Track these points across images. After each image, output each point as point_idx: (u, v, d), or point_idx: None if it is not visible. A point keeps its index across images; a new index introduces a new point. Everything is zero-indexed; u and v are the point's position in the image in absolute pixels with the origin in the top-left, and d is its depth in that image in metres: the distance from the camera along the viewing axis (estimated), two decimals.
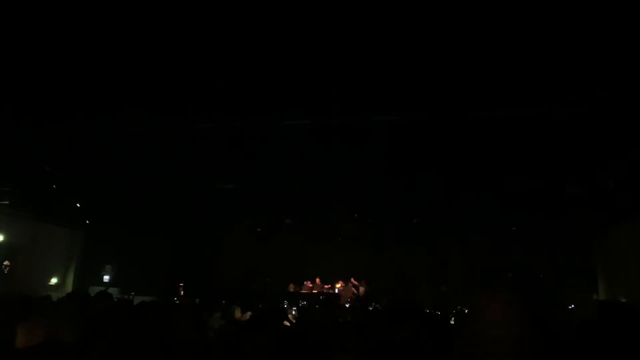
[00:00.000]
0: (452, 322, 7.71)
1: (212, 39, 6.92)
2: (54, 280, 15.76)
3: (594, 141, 9.02)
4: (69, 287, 16.24)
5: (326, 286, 15.31)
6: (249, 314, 6.83)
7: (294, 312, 10.18)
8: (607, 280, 13.83)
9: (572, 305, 10.57)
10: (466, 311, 10.39)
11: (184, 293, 14.96)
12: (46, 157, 11.32)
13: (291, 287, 15.05)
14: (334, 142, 9.74)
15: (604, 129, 8.49)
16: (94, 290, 14.25)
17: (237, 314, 6.49)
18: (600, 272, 14.20)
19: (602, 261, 14.07)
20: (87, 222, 16.17)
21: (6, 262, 13.50)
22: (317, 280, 15.34)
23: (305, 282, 15.47)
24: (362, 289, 14.86)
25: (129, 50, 7.17)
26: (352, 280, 15.55)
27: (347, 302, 13.74)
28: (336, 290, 15.45)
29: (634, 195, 10.81)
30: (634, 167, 9.74)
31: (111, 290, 13.44)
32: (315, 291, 14.59)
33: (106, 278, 16.38)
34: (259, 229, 16.16)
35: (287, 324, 7.00)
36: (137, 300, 8.47)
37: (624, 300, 12.58)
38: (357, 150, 10.18)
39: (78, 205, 14.80)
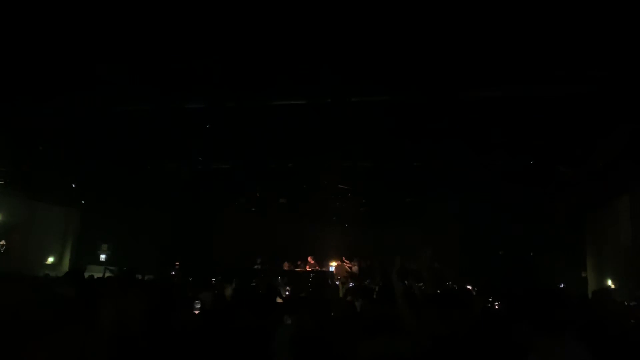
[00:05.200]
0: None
1: (204, 18, 6.92)
2: (50, 259, 15.90)
3: (585, 120, 9.09)
4: (65, 265, 16.39)
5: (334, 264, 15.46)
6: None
7: (287, 292, 10.35)
8: (596, 258, 14.05)
9: (563, 285, 10.75)
10: (456, 287, 10.59)
11: (180, 271, 15.10)
12: (41, 136, 11.34)
13: (285, 266, 15.23)
14: (328, 121, 9.78)
15: (596, 109, 8.56)
16: (91, 269, 14.44)
17: (228, 292, 6.61)
18: (589, 250, 14.42)
19: (592, 239, 14.27)
20: (83, 201, 16.26)
21: (2, 242, 13.61)
22: (310, 258, 15.52)
23: (298, 262, 15.66)
24: (355, 268, 15.07)
25: (122, 27, 7.17)
26: (344, 259, 15.75)
27: (340, 279, 13.92)
28: (331, 269, 15.64)
29: (624, 174, 10.93)
30: (624, 147, 9.83)
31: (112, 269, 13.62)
32: (309, 269, 14.77)
33: (103, 257, 16.53)
34: (253, 209, 16.27)
35: (280, 300, 7.16)
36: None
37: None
38: (351, 129, 10.23)
39: (73, 184, 14.87)
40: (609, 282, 13.02)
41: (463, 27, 6.55)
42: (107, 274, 10.80)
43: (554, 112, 8.73)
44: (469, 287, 12.06)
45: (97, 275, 10.34)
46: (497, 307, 4.74)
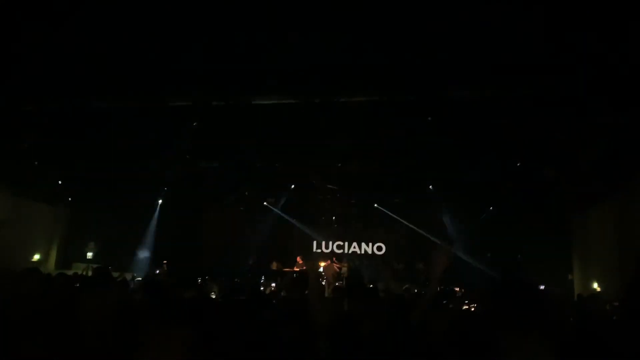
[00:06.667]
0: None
1: (192, 17, 6.89)
2: (36, 257, 15.74)
3: (571, 124, 9.15)
4: (51, 263, 16.24)
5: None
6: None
7: (272, 289, 10.31)
8: (582, 260, 14.13)
9: (542, 286, 10.74)
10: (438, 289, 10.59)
11: (167, 270, 14.98)
12: (27, 133, 11.24)
13: (274, 265, 15.18)
14: (316, 121, 9.78)
15: (582, 113, 8.62)
16: (77, 266, 14.31)
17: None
18: (575, 252, 14.50)
19: (578, 242, 14.35)
20: (70, 199, 16.14)
21: None
22: (299, 259, 15.49)
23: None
24: (344, 268, 15.05)
25: (109, 26, 7.13)
26: (334, 259, 15.74)
27: (327, 279, 13.90)
28: (320, 269, 15.62)
29: (609, 178, 10.99)
30: (609, 151, 9.89)
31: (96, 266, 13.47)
32: (297, 269, 14.73)
33: (90, 255, 16.40)
34: (241, 208, 16.22)
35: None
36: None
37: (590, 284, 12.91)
38: (339, 129, 10.23)
39: (60, 182, 14.76)
40: (595, 285, 13.09)
41: (449, 29, 6.58)
42: (88, 272, 10.67)
43: (540, 114, 8.78)
44: (456, 288, 12.10)
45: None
46: (472, 309, 4.72)
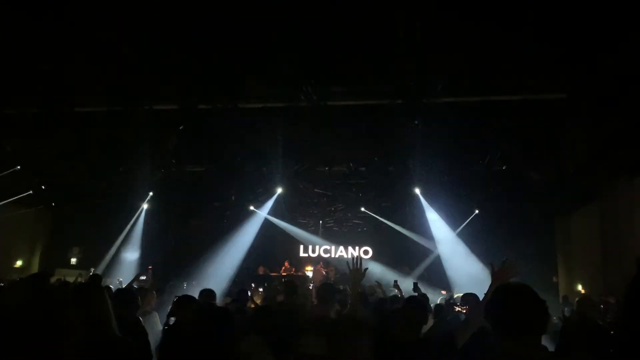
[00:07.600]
0: None
1: (177, 18, 6.85)
2: (18, 263, 15.48)
3: (556, 128, 9.26)
4: (34, 269, 15.97)
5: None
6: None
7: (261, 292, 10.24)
8: (566, 263, 14.28)
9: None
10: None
11: (153, 276, 14.83)
12: (8, 137, 11.08)
13: (260, 270, 15.11)
14: (304, 126, 9.77)
15: (566, 116, 8.72)
16: (60, 272, 14.09)
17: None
18: (560, 255, 14.65)
19: (563, 245, 14.50)
20: (53, 204, 15.91)
21: None
22: (286, 263, 15.46)
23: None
24: (331, 273, 15.04)
25: (91, 28, 7.05)
26: (321, 264, 15.74)
27: (314, 284, 13.85)
28: (310, 274, 15.59)
29: (594, 180, 11.15)
30: (594, 154, 10.02)
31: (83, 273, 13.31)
32: (284, 274, 14.68)
33: (74, 260, 16.19)
34: (227, 212, 16.13)
35: (252, 305, 7.09)
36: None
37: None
38: (327, 134, 10.23)
39: (43, 187, 14.53)
40: (579, 287, 13.24)
41: (435, 36, 6.62)
42: (79, 279, 10.58)
43: (524, 118, 8.87)
44: (443, 291, 12.14)
45: (70, 279, 10.11)
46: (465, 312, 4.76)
